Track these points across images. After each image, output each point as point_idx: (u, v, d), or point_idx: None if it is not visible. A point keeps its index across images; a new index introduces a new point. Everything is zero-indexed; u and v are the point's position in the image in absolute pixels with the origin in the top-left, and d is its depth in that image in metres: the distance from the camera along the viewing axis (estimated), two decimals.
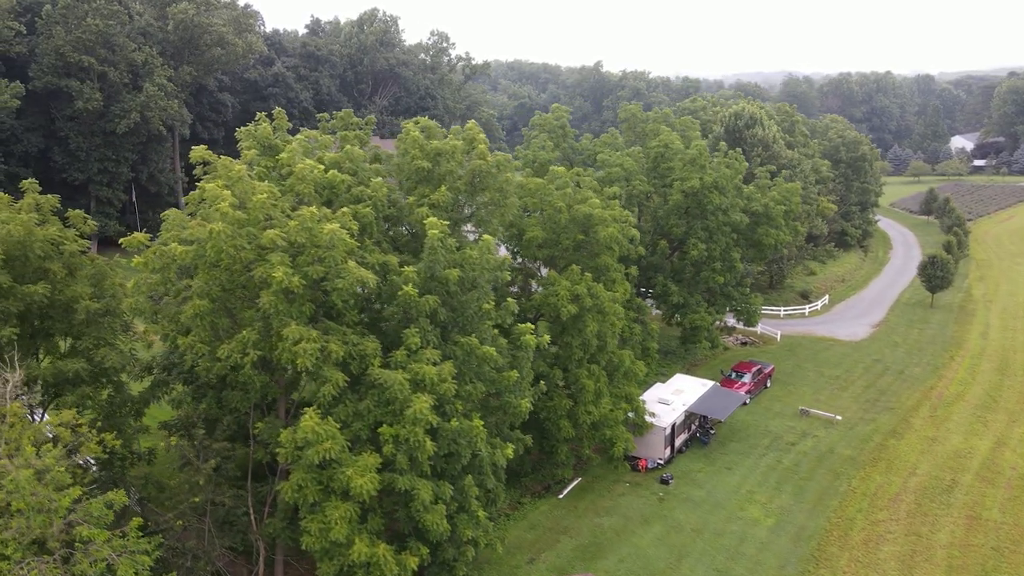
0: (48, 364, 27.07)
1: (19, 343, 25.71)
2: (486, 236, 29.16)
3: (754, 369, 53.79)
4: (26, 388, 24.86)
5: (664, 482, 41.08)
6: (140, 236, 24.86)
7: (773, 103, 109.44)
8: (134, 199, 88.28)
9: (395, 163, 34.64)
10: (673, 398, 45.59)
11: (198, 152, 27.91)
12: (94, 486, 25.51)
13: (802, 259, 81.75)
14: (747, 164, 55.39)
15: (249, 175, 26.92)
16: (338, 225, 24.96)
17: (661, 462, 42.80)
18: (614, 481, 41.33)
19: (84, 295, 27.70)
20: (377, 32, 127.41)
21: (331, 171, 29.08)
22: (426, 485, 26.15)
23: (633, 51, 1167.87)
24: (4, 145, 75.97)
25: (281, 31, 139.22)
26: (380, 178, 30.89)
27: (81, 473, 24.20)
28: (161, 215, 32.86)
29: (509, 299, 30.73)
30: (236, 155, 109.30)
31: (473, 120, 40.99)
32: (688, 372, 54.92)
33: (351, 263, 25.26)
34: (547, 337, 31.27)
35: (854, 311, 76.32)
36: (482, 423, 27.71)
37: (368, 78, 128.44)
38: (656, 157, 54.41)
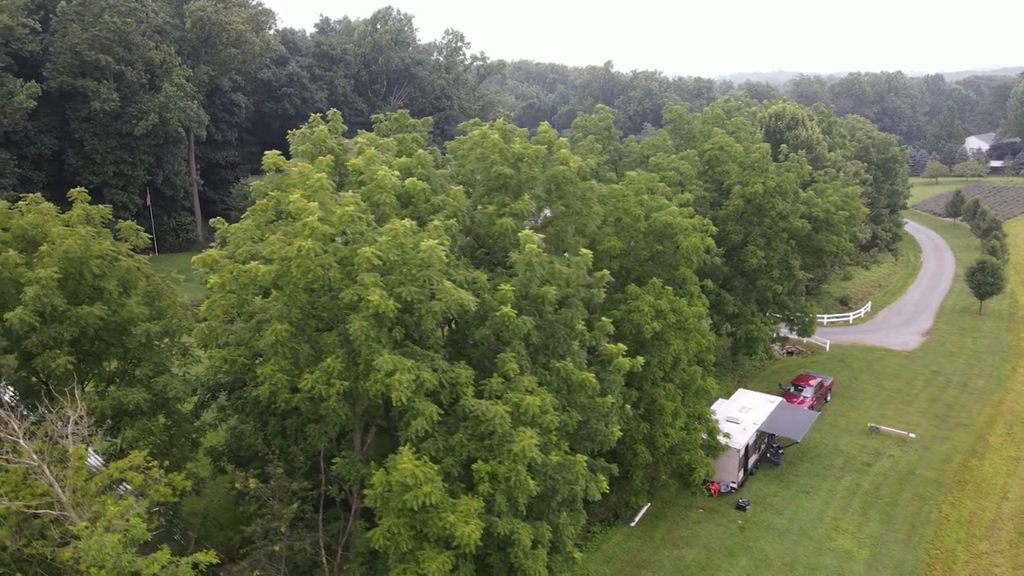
0: (99, 393, 24.36)
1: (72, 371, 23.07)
2: (584, 251, 26.47)
3: (815, 382, 51.19)
4: (83, 423, 22.16)
5: (741, 508, 38.45)
6: (214, 253, 22.12)
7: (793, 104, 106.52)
8: (149, 203, 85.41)
9: (467, 168, 31.95)
10: (741, 416, 42.97)
11: (271, 158, 25.25)
12: (159, 530, 22.88)
13: (844, 264, 79.23)
14: (809, 168, 52.76)
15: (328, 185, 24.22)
16: (435, 241, 22.28)
17: (734, 486, 40.17)
18: (686, 507, 38.71)
19: (141, 316, 25.00)
20: (392, 31, 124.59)
21: (409, 179, 26.37)
22: (525, 528, 23.52)
23: (632, 51, 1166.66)
24: (17, 147, 73.11)
25: (295, 31, 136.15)
26: (458, 186, 28.16)
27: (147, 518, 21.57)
28: (212, 223, 30.36)
29: (603, 319, 28.09)
30: (252, 159, 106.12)
31: (501, 118, 38.20)
32: (740, 385, 52.36)
33: (447, 283, 22.60)
34: (641, 360, 28.61)
35: (899, 318, 73.80)
36: (584, 458, 25.11)
37: (383, 78, 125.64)
38: (710, 160, 51.78)
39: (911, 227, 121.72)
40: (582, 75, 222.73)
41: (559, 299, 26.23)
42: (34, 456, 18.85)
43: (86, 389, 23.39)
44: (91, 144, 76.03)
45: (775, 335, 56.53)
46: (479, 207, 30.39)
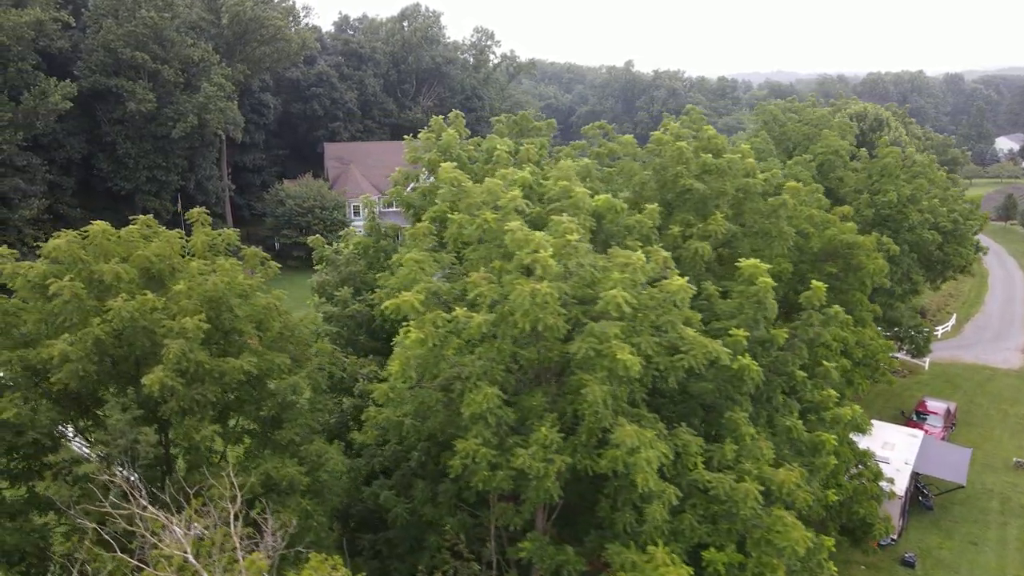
0: (240, 466, 19.56)
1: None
2: (763, 279, 21.74)
3: (941, 409, 46.60)
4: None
5: (907, 564, 33.83)
6: (411, 298, 17.24)
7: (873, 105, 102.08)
8: (180, 210, 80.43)
9: (634, 180, 27.22)
10: (888, 454, 38.25)
11: (448, 172, 20.42)
12: None
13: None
14: (944, 174, 48.24)
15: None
16: (684, 279, 17.60)
17: (894, 538, 35.49)
18: (843, 562, 33.93)
19: (283, 366, 20.26)
20: (421, 28, 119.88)
21: (603, 196, 21.62)
22: None
23: (635, 51, 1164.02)
24: (45, 151, 68.12)
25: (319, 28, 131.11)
26: (653, 204, 23.40)
27: None
28: (311, 242, 25.86)
29: (825, 363, 23.45)
30: (278, 162, 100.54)
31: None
32: None
33: (689, 330, 17.93)
34: (859, 409, 23.99)
35: (987, 332, 69.21)
36: (832, 541, 20.51)
37: (412, 77, 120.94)
38: (823, 165, 47.17)
39: None
40: (601, 75, 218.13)
41: (788, 343, 21.60)
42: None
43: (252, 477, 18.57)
44: (124, 148, 71.17)
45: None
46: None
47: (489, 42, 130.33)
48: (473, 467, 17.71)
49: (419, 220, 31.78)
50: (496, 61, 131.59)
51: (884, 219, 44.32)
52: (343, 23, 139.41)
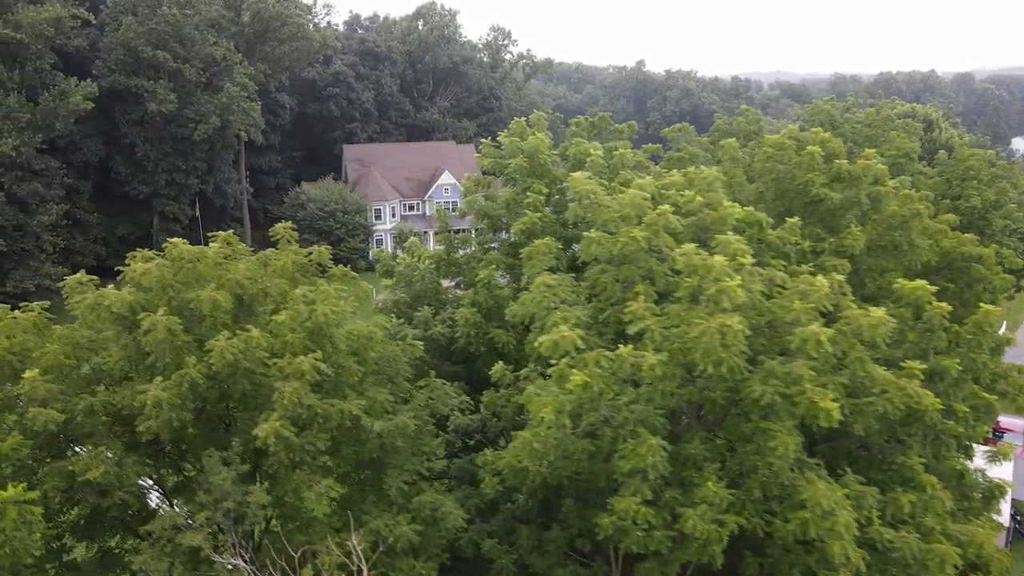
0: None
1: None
2: (987, 307, 19.28)
3: (1019, 426, 44.06)
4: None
5: None
6: (571, 336, 14.61)
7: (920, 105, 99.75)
8: (198, 214, 77.80)
9: (751, 188, 24.67)
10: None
11: (581, 183, 17.81)
12: None
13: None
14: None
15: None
16: (880, 310, 15.07)
17: None
18: None
19: (386, 403, 17.70)
20: (438, 27, 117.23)
21: (744, 209, 19.05)
22: None
23: (640, 50, 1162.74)
24: (62, 154, 65.36)
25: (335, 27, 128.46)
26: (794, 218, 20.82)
27: None
28: (375, 254, 23.44)
29: (986, 395, 20.93)
30: (292, 164, 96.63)
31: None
32: None
33: (880, 370, 15.42)
34: (1016, 445, 21.50)
35: None
36: None
37: (429, 77, 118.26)
38: (891, 168, 44.60)
39: None
40: (611, 75, 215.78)
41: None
42: None
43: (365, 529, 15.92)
44: (143, 150, 68.46)
45: None
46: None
47: (505, 41, 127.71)
48: (626, 527, 15.21)
49: (494, 232, 29.59)
50: (513, 60, 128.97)
51: (965, 226, 41.81)
52: (354, 22, 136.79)
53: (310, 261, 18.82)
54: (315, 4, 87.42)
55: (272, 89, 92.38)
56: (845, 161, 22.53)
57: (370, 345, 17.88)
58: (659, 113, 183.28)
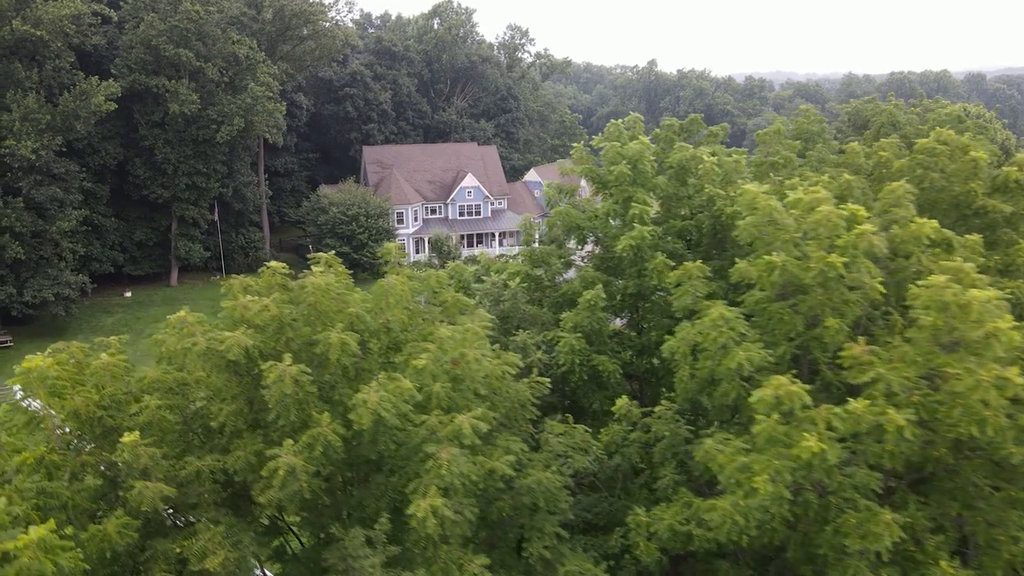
0: None
1: None
2: None
3: None
4: None
5: None
6: (795, 389, 11.98)
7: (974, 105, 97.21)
8: (216, 218, 75.04)
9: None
10: None
11: (759, 199, 15.17)
12: None
13: None
14: None
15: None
16: None
17: None
18: None
19: (522, 455, 15.04)
20: (456, 25, 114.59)
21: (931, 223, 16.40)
22: None
23: (644, 50, 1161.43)
24: (79, 157, 62.55)
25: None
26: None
27: None
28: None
29: None
30: (308, 165, 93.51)
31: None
32: None
33: None
34: None
35: None
36: None
37: (446, 77, 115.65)
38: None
39: None
40: (620, 75, 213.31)
41: None
42: None
43: None
44: (163, 153, 65.67)
45: None
46: None
47: (523, 40, 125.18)
48: None
49: (582, 243, 26.93)
50: (530, 60, 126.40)
51: None
52: (365, 21, 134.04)
53: (431, 285, 16.11)
54: (336, 1, 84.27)
55: (289, 89, 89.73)
56: (1014, 168, 19.91)
57: (502, 386, 15.28)
58: (672, 113, 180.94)
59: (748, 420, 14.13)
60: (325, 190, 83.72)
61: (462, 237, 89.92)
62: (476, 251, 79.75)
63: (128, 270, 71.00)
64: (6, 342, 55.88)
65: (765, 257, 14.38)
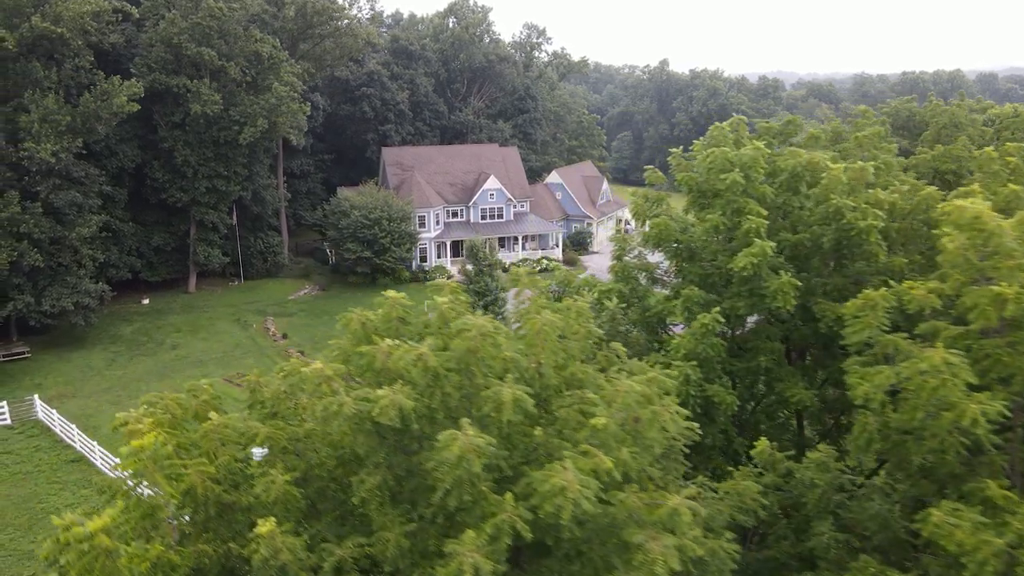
0: None
1: None
2: None
3: None
4: None
5: None
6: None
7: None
8: (235, 222, 72.70)
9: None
10: None
11: (975, 213, 12.85)
12: None
13: None
14: None
15: None
16: None
17: None
18: None
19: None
20: (472, 24, 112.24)
21: None
22: None
23: (648, 50, 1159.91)
24: (96, 159, 60.17)
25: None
26: None
27: None
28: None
29: None
30: (323, 167, 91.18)
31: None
32: None
33: None
34: None
35: None
36: None
37: (462, 76, 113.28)
38: None
39: None
40: (630, 74, 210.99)
41: None
42: None
43: None
44: (182, 155, 63.30)
45: None
46: None
47: (540, 39, 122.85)
48: None
49: (673, 259, 24.62)
50: (547, 59, 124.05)
51: None
52: (377, 19, 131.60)
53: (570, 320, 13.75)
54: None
55: (306, 89, 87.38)
56: None
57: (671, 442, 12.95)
58: (685, 113, 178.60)
59: (973, 487, 11.84)
60: (346, 192, 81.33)
61: (484, 241, 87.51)
62: (499, 255, 77.62)
63: (145, 276, 68.59)
64: (23, 353, 53.56)
65: (992, 288, 12.06)
